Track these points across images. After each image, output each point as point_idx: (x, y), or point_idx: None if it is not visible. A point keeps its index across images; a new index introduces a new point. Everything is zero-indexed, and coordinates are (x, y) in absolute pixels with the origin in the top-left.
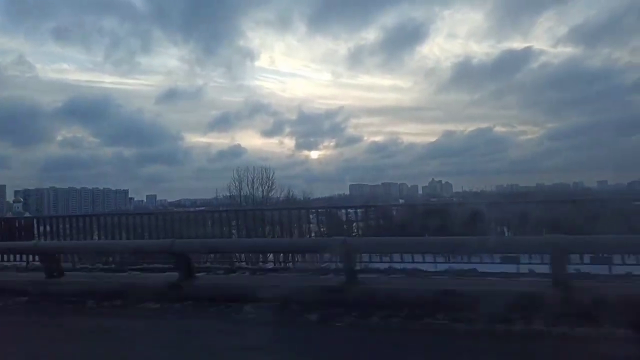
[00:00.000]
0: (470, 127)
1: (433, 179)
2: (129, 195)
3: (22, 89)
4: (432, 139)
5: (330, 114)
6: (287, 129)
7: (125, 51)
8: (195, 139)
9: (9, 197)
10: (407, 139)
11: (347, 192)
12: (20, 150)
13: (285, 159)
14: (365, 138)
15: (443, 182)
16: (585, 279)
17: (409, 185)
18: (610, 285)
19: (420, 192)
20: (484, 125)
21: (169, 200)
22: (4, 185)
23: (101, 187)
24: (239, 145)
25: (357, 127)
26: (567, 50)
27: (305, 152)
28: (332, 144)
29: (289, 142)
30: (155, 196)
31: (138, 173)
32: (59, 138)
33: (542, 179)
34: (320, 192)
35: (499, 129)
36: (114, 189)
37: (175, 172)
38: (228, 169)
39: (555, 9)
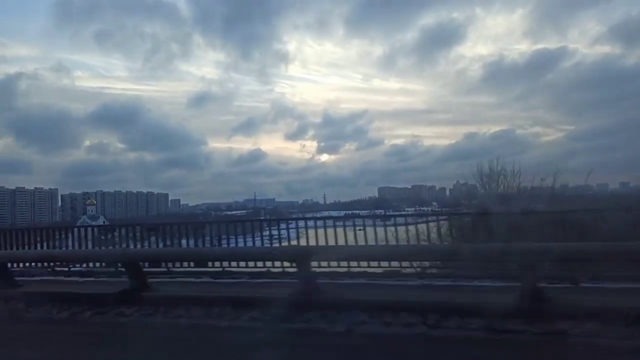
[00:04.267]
0: (496, 129)
1: (458, 182)
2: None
3: (59, 95)
4: (454, 140)
5: (354, 118)
6: (311, 132)
7: (162, 57)
8: (219, 144)
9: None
10: (428, 142)
11: (376, 195)
12: (57, 155)
13: (306, 163)
14: (387, 141)
15: (469, 184)
16: None
17: (437, 188)
18: None
19: (448, 194)
20: (510, 126)
21: (190, 204)
22: (56, 189)
23: (144, 191)
24: (259, 150)
25: (381, 130)
26: (603, 50)
27: (329, 156)
28: (353, 147)
29: (312, 145)
30: (179, 200)
31: (161, 177)
32: (89, 143)
33: (565, 181)
34: (346, 195)
35: (524, 130)
36: (155, 192)
37: (195, 176)
38: (248, 173)
39: (597, 7)
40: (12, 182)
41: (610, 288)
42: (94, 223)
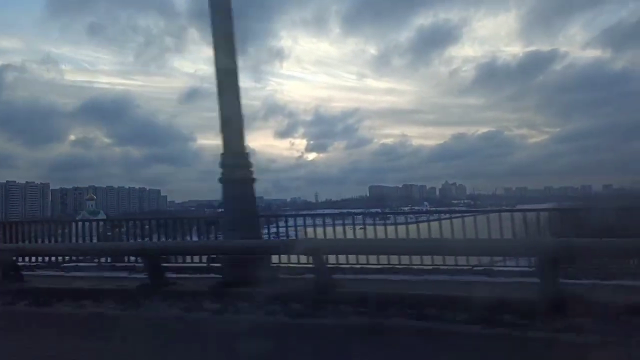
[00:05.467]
0: (483, 130)
1: (447, 181)
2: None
3: (47, 89)
4: (442, 141)
5: (345, 116)
6: (300, 131)
7: (153, 51)
8: (208, 140)
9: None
10: (417, 142)
11: (367, 194)
12: (41, 149)
13: (295, 161)
14: (376, 140)
15: (457, 184)
16: None
17: (428, 188)
18: None
19: (437, 194)
20: (499, 127)
21: (176, 201)
22: (48, 184)
23: (137, 187)
24: (247, 147)
25: (371, 129)
26: (594, 53)
27: (318, 154)
28: (343, 145)
29: (301, 144)
30: (165, 197)
31: (147, 173)
32: (74, 138)
33: (550, 182)
34: (334, 194)
35: (510, 132)
36: (148, 188)
37: (181, 173)
38: None
39: (591, 10)
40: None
41: None
42: (94, 218)
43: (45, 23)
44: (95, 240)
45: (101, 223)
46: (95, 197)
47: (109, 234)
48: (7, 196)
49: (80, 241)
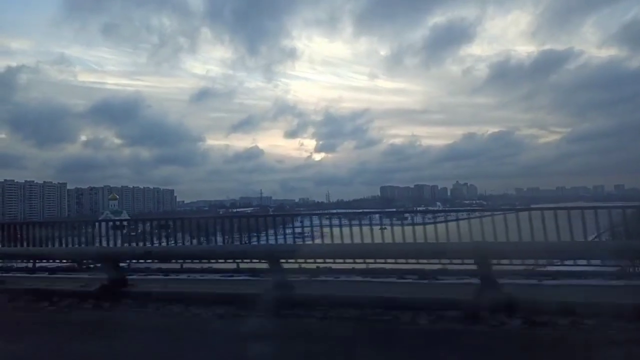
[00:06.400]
0: (494, 130)
1: (457, 182)
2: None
3: (60, 90)
4: (452, 141)
5: (354, 117)
6: (310, 131)
7: (165, 52)
8: (218, 141)
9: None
10: (426, 142)
11: (378, 194)
12: (55, 150)
13: (304, 161)
14: (385, 140)
15: (468, 184)
16: None
17: (439, 188)
18: None
19: (449, 194)
20: (508, 127)
21: (186, 201)
22: (65, 183)
23: (151, 187)
24: (257, 147)
25: (380, 130)
26: (610, 52)
27: (326, 154)
28: (352, 145)
29: (310, 144)
30: (175, 198)
31: (156, 174)
32: (87, 139)
33: (562, 182)
34: (342, 194)
35: (521, 132)
36: (162, 188)
37: (189, 173)
38: (243, 171)
39: (607, 8)
40: (7, 175)
41: None
42: (117, 218)
43: (59, 24)
44: (119, 242)
45: (125, 223)
46: (117, 197)
47: (133, 234)
48: (26, 195)
49: (105, 243)
